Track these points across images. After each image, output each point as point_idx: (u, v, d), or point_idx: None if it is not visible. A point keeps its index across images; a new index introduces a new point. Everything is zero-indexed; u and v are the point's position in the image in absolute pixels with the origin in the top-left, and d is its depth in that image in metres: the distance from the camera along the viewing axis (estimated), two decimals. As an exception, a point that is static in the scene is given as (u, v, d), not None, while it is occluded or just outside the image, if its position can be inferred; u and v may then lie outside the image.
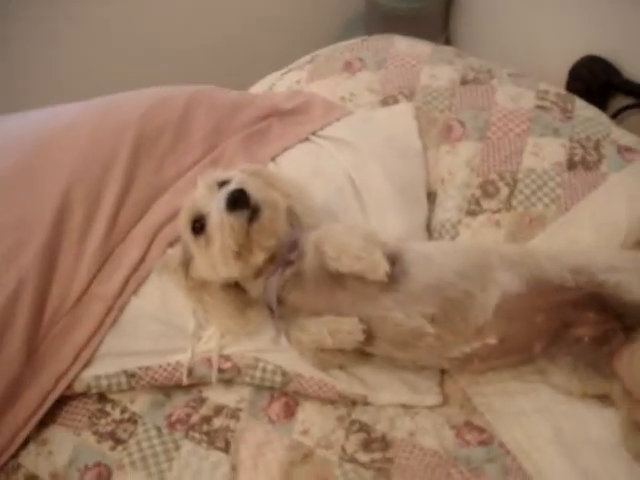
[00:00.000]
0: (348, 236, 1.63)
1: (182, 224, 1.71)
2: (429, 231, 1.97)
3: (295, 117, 2.19)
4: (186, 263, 1.75)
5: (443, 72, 2.29)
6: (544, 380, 1.68)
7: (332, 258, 1.61)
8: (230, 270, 1.67)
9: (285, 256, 1.70)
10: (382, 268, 1.57)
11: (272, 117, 2.18)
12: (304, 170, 2.02)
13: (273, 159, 2.07)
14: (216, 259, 1.64)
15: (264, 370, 1.73)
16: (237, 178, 1.67)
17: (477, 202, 1.97)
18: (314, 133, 2.15)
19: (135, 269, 1.85)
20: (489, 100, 2.16)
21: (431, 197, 2.03)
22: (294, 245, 1.71)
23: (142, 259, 1.87)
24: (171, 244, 1.88)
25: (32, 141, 1.94)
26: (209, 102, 2.12)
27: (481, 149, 2.05)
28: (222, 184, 1.67)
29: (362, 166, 2.01)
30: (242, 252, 1.63)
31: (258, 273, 1.71)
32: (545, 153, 2.01)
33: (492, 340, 1.61)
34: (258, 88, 2.49)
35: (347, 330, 1.61)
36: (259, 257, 1.66)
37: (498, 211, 1.93)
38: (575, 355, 1.62)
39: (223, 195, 1.60)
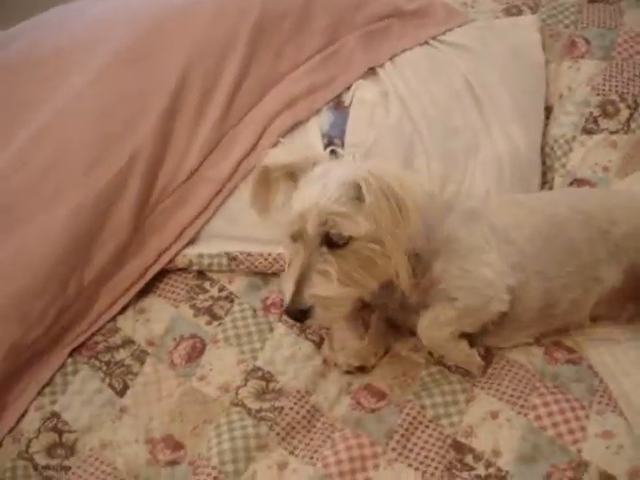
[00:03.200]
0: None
1: (284, 219, 1.48)
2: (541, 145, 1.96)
3: (416, 20, 2.17)
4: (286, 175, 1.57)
5: (571, -14, 2.23)
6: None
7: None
8: None
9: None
10: (476, 365, 1.59)
11: (393, 17, 2.15)
12: (422, 71, 2.01)
13: (391, 59, 2.06)
14: None
15: None
16: (320, 290, 1.41)
17: (595, 121, 1.95)
18: (434, 37, 2.12)
19: (246, 155, 1.87)
20: (617, 21, 2.12)
21: (546, 111, 2.02)
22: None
23: (254, 146, 1.88)
24: (282, 134, 1.90)
25: (152, 17, 1.98)
26: None
27: (604, 68, 2.02)
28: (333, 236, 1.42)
29: (483, 74, 1.99)
30: None
31: None
32: (669, 79, 1.97)
33: (586, 321, 1.65)
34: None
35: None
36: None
37: (616, 132, 1.92)
38: None
39: (286, 303, 1.43)
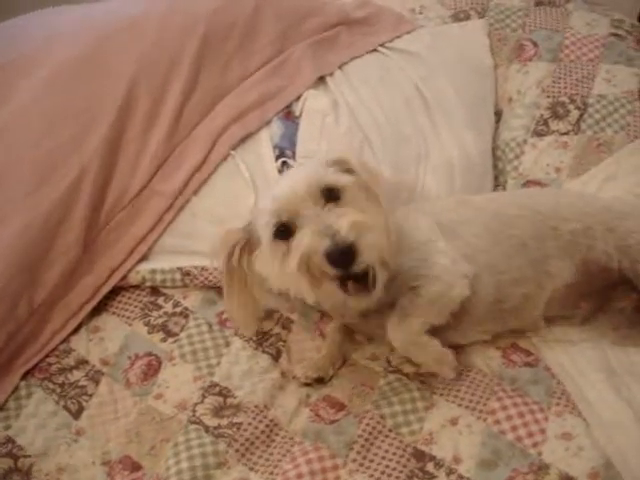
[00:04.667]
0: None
1: (265, 216, 1.45)
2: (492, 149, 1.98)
3: (364, 27, 2.17)
4: (247, 249, 1.54)
5: (517, -9, 2.26)
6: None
7: (396, 348, 1.56)
8: (299, 292, 1.46)
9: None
10: (449, 374, 1.57)
11: (341, 26, 2.16)
12: (372, 78, 2.01)
13: (341, 67, 2.05)
14: (288, 280, 1.44)
15: None
16: (350, 217, 1.37)
17: (545, 123, 1.97)
18: (383, 45, 2.12)
19: (197, 169, 1.85)
20: (564, 23, 2.15)
21: (497, 115, 2.03)
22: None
23: (205, 159, 1.86)
24: (234, 147, 1.88)
25: (99, 31, 1.95)
26: (279, 4, 2.10)
27: (553, 70, 2.05)
28: (328, 192, 1.43)
29: (432, 79, 2.00)
30: (318, 284, 1.43)
31: None
32: (617, 80, 2.01)
33: (540, 323, 1.65)
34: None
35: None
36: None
37: (566, 133, 1.94)
38: (617, 318, 1.65)
39: (328, 245, 1.34)
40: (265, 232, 1.45)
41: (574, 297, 1.64)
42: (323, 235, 1.35)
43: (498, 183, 1.97)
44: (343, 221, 1.35)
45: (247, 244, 1.53)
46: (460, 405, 1.52)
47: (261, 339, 1.70)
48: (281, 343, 1.71)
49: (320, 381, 1.61)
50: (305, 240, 1.36)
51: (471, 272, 1.55)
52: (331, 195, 1.42)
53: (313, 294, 1.43)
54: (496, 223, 1.62)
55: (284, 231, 1.42)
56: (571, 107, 1.97)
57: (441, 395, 1.55)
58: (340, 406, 1.56)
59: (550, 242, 1.61)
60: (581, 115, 1.95)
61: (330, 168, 1.48)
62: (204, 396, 1.60)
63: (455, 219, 1.63)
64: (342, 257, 1.34)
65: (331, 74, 2.03)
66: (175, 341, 1.71)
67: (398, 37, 2.15)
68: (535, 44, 2.10)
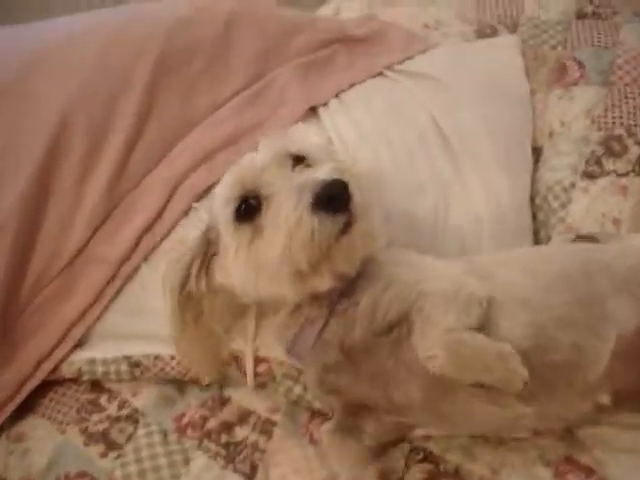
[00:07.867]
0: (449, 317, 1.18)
1: (220, 200, 1.25)
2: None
3: (367, 47, 1.88)
4: (205, 266, 1.31)
5: (553, 2, 1.98)
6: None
7: (443, 367, 1.15)
8: (279, 290, 1.22)
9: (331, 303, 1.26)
10: (519, 378, 1.15)
11: (338, 44, 1.87)
12: (376, 109, 1.70)
13: (337, 95, 1.75)
14: (266, 269, 1.20)
15: (306, 389, 1.40)
16: (331, 163, 1.22)
17: (598, 162, 1.66)
18: (390, 67, 1.82)
19: (149, 227, 1.55)
20: (613, 38, 1.85)
21: (535, 153, 1.72)
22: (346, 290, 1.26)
23: (159, 214, 1.56)
24: (198, 197, 1.57)
25: (28, 54, 1.68)
26: (258, 20, 1.82)
27: (604, 96, 1.74)
28: (298, 160, 1.25)
29: (452, 110, 1.69)
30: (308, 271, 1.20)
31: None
32: (685, 108, 1.72)
33: (604, 399, 1.23)
34: (321, 13, 2.21)
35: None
36: (325, 284, 1.21)
37: (626, 174, 1.63)
38: None
39: (314, 184, 1.14)
40: (224, 215, 1.23)
41: None
42: (304, 191, 1.15)
43: (539, 239, 1.64)
44: (322, 168, 1.18)
45: (205, 258, 1.29)
46: None
47: (232, 452, 1.36)
48: (258, 455, 1.36)
49: None
50: (285, 209, 1.14)
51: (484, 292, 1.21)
52: (301, 162, 1.25)
53: (295, 289, 1.19)
54: (530, 257, 1.36)
55: (247, 209, 1.20)
56: (630, 142, 1.67)
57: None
58: None
59: (601, 277, 1.25)
60: (643, 152, 1.69)
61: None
62: None
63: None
64: (332, 193, 1.13)
65: (325, 104, 1.73)
66: (118, 456, 1.38)
67: (409, 58, 1.85)
68: (580, 64, 1.81)
